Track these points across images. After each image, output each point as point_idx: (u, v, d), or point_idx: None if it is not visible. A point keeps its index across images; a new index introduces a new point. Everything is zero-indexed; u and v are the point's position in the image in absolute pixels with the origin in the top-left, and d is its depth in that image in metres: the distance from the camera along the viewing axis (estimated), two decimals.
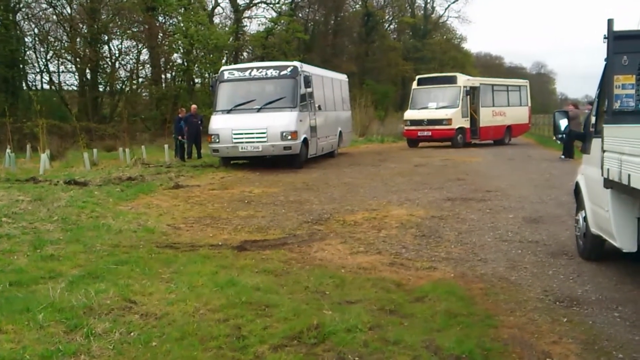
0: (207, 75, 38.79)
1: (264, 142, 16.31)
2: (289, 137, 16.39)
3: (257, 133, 16.31)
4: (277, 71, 17.66)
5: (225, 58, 40.98)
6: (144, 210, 10.13)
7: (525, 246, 7.43)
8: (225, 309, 5.02)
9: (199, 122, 20.65)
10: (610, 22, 5.88)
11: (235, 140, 16.44)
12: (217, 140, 16.71)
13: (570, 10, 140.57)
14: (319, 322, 4.57)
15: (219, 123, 16.97)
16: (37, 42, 33.80)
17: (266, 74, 17.71)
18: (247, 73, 17.84)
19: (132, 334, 4.48)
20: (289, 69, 17.57)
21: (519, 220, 9.01)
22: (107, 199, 11.05)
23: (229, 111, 17.12)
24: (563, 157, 19.48)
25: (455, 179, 13.86)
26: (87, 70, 34.26)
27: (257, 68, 18.15)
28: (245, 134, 16.37)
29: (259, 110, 16.81)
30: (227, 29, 41.13)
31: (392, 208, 10.14)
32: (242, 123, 16.50)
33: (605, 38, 5.92)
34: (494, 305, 5.26)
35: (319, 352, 4.20)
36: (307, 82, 17.36)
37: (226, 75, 17.91)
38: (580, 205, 6.95)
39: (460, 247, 7.47)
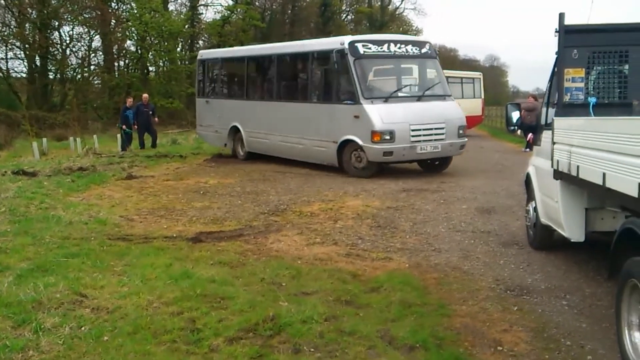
0: (161, 63, 38.17)
1: (442, 140, 12.75)
2: (464, 133, 13.31)
3: (436, 129, 12.66)
4: (417, 48, 13.56)
5: (180, 46, 40.39)
6: (95, 202, 9.91)
7: (477, 236, 7.57)
8: (180, 301, 4.96)
9: (151, 112, 20.12)
10: (561, 16, 6.02)
11: (413, 140, 12.42)
12: (391, 139, 12.27)
13: (523, 4, 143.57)
14: (275, 314, 4.57)
15: (389, 116, 12.38)
16: None
17: (406, 50, 13.39)
18: (384, 47, 13.24)
19: (82, 328, 4.38)
20: (427, 46, 13.75)
21: (472, 210, 9.17)
22: (57, 189, 10.78)
23: (386, 100, 12.74)
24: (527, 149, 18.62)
25: (410, 170, 13.99)
26: (37, 57, 33.29)
27: (393, 42, 13.51)
28: (424, 130, 12.54)
29: (419, 99, 13.04)
30: (182, 16, 40.49)
31: (348, 199, 10.18)
32: (418, 116, 12.59)
33: (556, 32, 6.06)
34: (447, 295, 5.35)
35: (275, 343, 4.20)
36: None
37: (361, 49, 12.92)
38: (530, 196, 7.10)
39: (415, 237, 7.56)
